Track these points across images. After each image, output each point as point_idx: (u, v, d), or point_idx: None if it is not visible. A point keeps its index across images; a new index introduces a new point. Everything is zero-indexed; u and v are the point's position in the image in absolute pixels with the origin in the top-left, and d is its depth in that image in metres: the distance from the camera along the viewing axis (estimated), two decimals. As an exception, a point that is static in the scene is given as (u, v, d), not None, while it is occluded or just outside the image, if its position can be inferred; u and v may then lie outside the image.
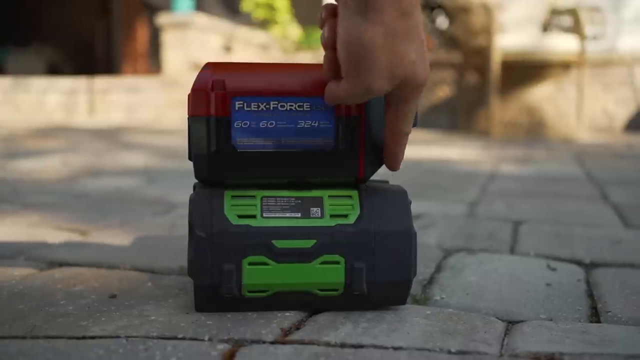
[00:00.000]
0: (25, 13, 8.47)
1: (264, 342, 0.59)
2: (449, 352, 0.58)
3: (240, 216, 0.65)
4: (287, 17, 6.44)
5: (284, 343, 0.59)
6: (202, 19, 5.55)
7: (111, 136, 3.64)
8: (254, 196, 0.67)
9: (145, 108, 5.51)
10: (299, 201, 0.67)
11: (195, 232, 0.64)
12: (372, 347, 0.58)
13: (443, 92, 4.79)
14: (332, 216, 0.66)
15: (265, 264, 0.65)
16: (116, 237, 1.07)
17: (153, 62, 7.53)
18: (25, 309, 0.67)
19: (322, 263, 0.65)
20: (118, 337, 0.59)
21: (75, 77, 5.69)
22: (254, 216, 0.65)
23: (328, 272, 0.65)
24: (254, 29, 6.47)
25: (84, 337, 0.59)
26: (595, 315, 0.70)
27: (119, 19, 8.23)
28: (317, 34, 6.65)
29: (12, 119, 5.20)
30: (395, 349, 0.58)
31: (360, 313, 0.67)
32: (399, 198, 0.68)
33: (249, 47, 6.14)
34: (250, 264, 0.64)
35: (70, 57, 8.48)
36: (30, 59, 7.67)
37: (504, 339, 0.61)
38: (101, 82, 5.54)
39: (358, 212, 0.67)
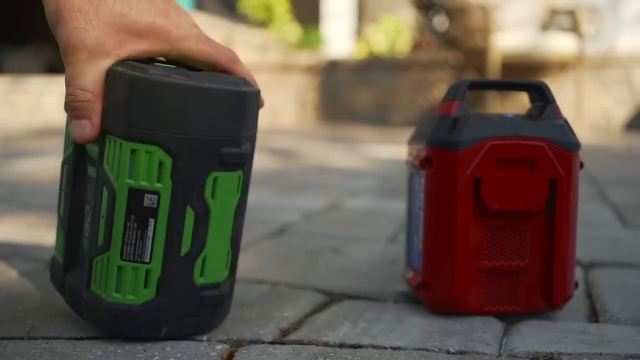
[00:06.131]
0: (22, 13, 8.46)
1: (262, 343, 0.59)
2: (448, 352, 0.58)
3: None
4: (286, 18, 6.44)
5: (282, 343, 0.59)
6: (201, 18, 5.55)
7: (110, 136, 3.63)
8: None
9: (143, 108, 5.49)
10: None
11: None
12: (370, 347, 0.58)
13: (442, 92, 4.79)
14: None
15: None
16: (114, 238, 1.06)
17: (151, 62, 7.52)
18: (23, 309, 0.67)
19: None
20: (116, 337, 0.59)
21: (73, 78, 5.67)
22: None
23: None
24: (253, 29, 6.47)
25: (82, 338, 0.59)
26: (594, 315, 0.70)
27: (118, 19, 8.21)
28: (316, 33, 6.66)
29: (10, 120, 5.20)
30: (394, 349, 0.58)
31: (359, 313, 0.67)
32: None
33: (248, 47, 6.14)
34: None
35: (69, 58, 8.45)
36: (28, 59, 7.66)
37: (502, 339, 0.61)
38: (99, 82, 5.52)
39: None
